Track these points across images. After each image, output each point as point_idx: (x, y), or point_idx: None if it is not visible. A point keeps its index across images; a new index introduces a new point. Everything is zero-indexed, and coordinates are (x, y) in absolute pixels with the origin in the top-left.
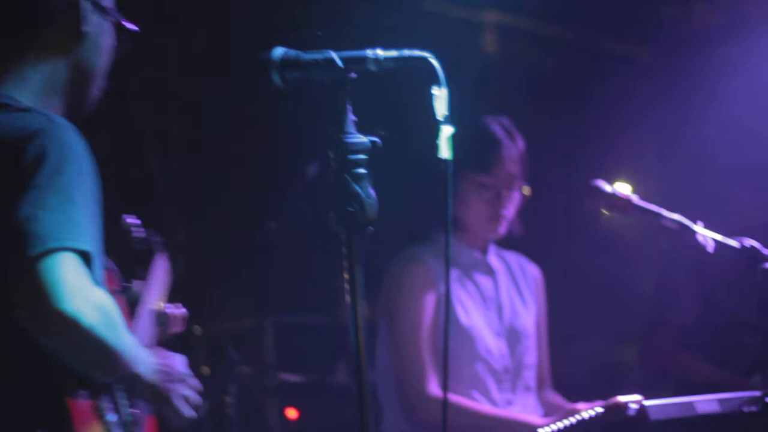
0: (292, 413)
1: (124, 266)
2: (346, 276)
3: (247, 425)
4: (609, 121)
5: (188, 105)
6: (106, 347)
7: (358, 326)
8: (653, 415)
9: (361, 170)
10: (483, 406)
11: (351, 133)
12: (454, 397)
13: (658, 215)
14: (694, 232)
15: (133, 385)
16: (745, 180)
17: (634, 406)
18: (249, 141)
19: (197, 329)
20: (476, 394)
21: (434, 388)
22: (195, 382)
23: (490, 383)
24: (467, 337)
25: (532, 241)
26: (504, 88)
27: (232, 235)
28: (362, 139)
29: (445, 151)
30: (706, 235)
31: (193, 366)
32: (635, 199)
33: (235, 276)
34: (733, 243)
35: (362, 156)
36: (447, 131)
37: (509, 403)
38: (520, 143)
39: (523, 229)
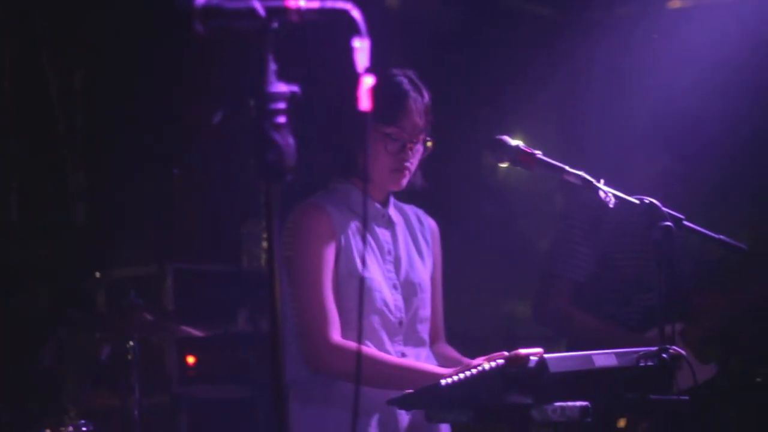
0: (189, 359)
1: None
2: (263, 224)
3: (147, 371)
4: (511, 77)
5: (93, 49)
6: None
7: (274, 274)
8: (552, 368)
9: (281, 119)
10: (386, 356)
11: (272, 82)
12: (356, 347)
13: (562, 170)
14: (596, 188)
15: None
16: (641, 142)
17: (534, 358)
18: (154, 87)
19: (97, 274)
20: (370, 346)
21: (337, 336)
22: None
23: (384, 336)
24: (365, 288)
25: (431, 195)
26: (405, 42)
27: (135, 181)
28: (283, 88)
29: (365, 103)
30: (607, 192)
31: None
32: (539, 153)
33: (137, 222)
34: (633, 200)
35: (283, 105)
36: (367, 83)
37: (402, 355)
38: (426, 96)
39: (425, 182)
